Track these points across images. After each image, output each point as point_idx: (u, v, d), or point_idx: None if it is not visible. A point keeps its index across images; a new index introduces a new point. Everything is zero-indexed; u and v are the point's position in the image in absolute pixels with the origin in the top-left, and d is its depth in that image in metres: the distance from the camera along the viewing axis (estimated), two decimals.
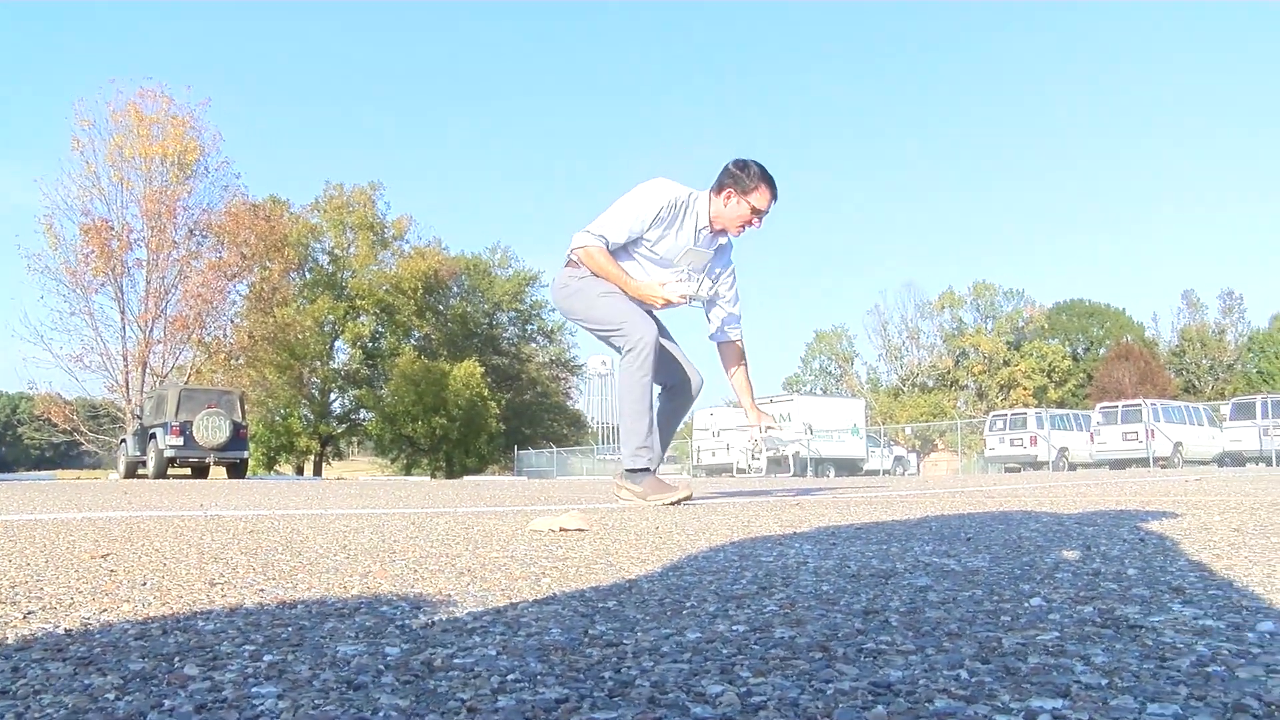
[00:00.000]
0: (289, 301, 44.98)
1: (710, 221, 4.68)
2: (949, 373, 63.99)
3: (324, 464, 55.58)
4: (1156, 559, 1.73)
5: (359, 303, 54.11)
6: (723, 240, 4.85)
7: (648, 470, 4.60)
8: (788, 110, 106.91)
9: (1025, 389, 61.43)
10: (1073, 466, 31.72)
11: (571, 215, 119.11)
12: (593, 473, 43.87)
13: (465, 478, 39.77)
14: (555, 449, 52.32)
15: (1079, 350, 71.79)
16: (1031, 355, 63.92)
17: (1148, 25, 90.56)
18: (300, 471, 52.52)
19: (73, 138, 34.56)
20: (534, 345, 65.00)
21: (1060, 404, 57.14)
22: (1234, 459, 29.53)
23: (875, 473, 34.06)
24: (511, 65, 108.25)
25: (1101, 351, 68.05)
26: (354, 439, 59.55)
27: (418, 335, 57.08)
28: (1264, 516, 2.78)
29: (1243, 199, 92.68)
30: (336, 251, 55.55)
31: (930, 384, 64.53)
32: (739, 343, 5.15)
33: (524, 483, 16.68)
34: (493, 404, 53.30)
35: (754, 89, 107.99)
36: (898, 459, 38.35)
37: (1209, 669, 0.90)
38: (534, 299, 63.36)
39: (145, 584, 1.63)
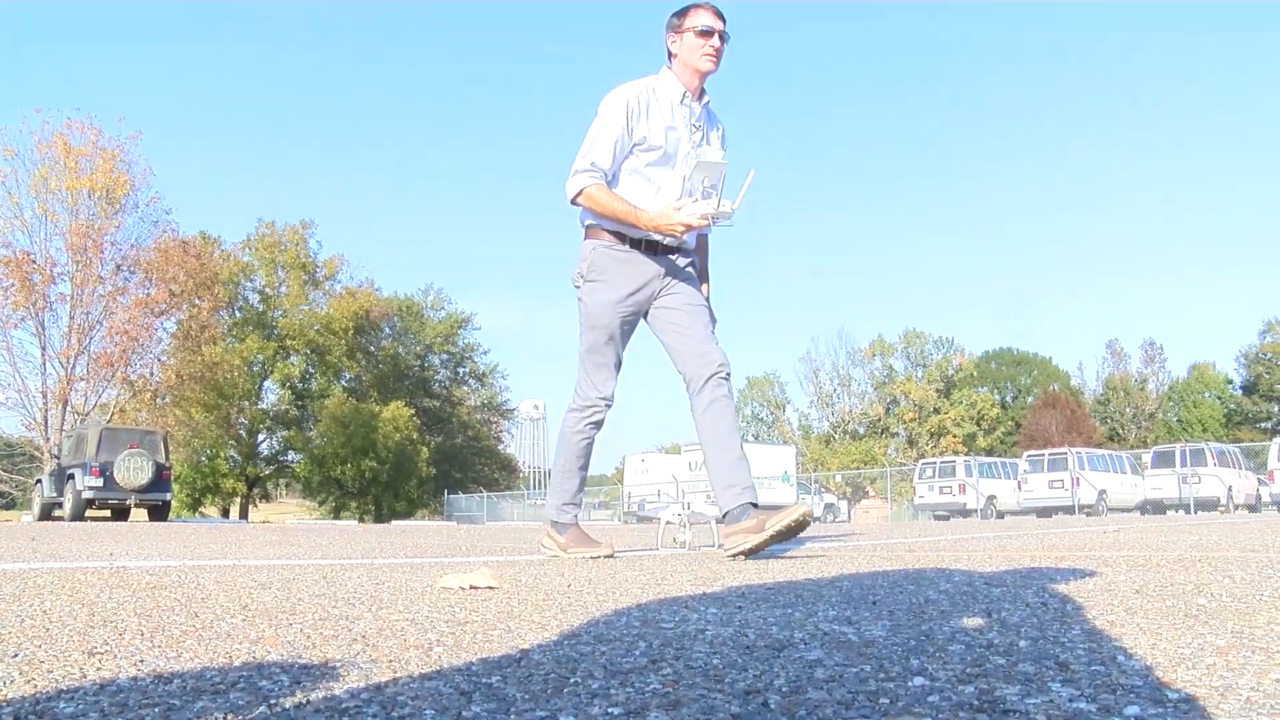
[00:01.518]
0: (218, 340, 44.26)
1: (684, 85, 4.29)
2: (880, 420, 64.73)
3: (251, 506, 54.50)
4: (1052, 627, 1.75)
5: (289, 343, 53.41)
6: (708, 101, 4.42)
7: (573, 524, 4.48)
8: None
9: (955, 436, 62.31)
10: (1000, 514, 32.16)
11: (506, 258, 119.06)
12: (523, 518, 43.53)
13: (394, 522, 39.22)
14: (485, 494, 51.87)
15: (1008, 398, 73.14)
16: (961, 403, 64.90)
17: (1065, 78, 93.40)
18: (226, 514, 51.46)
19: None
20: (465, 388, 64.64)
21: (989, 451, 58.04)
22: (1155, 506, 30.17)
23: None
24: (447, 105, 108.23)
25: (1029, 400, 69.43)
26: (282, 481, 58.56)
27: (348, 376, 56.43)
28: (1166, 574, 2.83)
29: (1163, 251, 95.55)
30: (267, 290, 54.89)
31: (861, 431, 65.19)
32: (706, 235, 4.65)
33: (451, 529, 16.48)
34: (423, 447, 52.80)
35: None
36: (828, 506, 38.62)
37: None
38: (466, 341, 63.10)
39: (17, 655, 1.56)
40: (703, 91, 4.36)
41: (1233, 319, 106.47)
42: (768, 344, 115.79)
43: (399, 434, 50.55)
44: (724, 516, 4.11)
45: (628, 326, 4.39)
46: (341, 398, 51.91)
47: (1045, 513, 29.97)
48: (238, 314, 53.29)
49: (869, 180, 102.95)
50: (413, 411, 52.78)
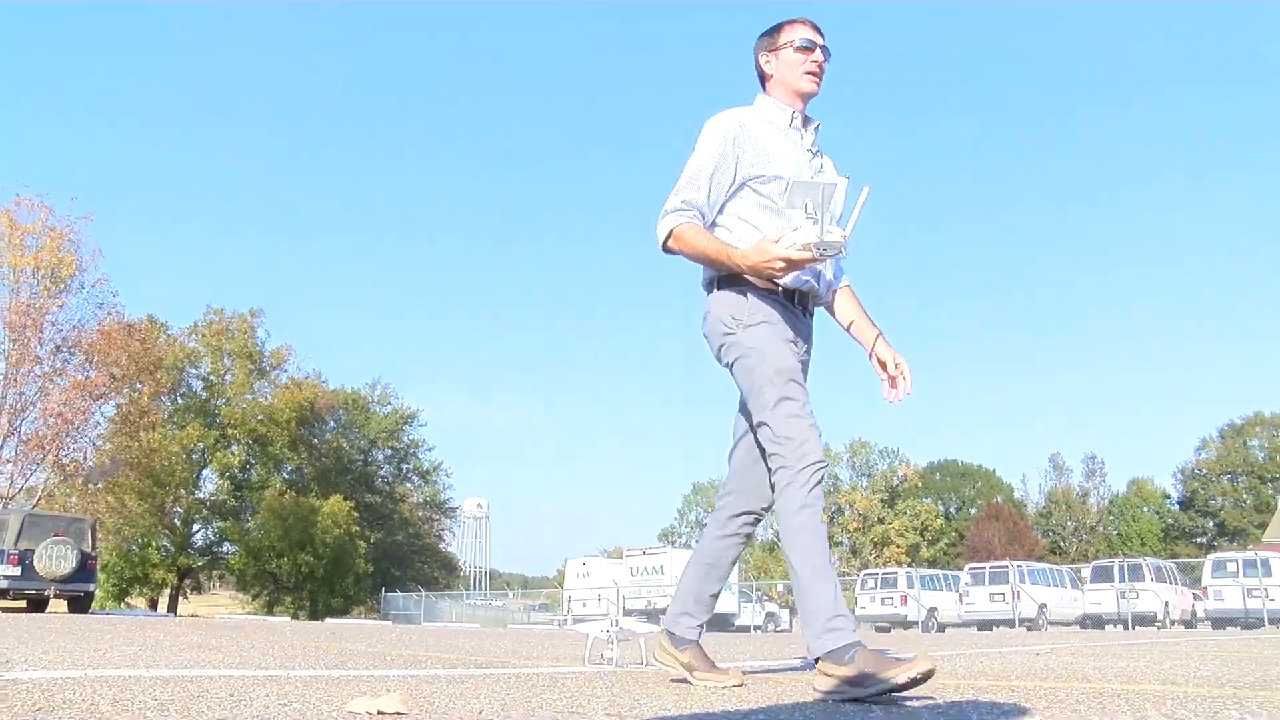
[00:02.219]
0: (157, 426, 43.47)
1: (787, 102, 3.69)
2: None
3: (181, 598, 52.97)
4: None
5: (231, 431, 52.57)
6: (818, 126, 3.77)
7: (694, 643, 3.79)
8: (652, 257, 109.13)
9: (899, 547, 62.48)
10: (942, 627, 32.16)
11: (454, 356, 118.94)
12: (461, 619, 42.72)
13: (327, 620, 38.30)
14: (424, 592, 50.92)
15: (952, 509, 73.62)
16: (905, 514, 65.21)
17: (1003, 181, 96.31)
18: (154, 605, 49.93)
19: None
20: (408, 485, 63.92)
21: (933, 562, 58.22)
22: (1094, 621, 30.36)
23: (746, 629, 33.91)
24: (403, 199, 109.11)
25: (973, 511, 69.96)
26: (215, 573, 57.12)
27: (289, 468, 55.58)
28: (1084, 712, 2.82)
29: (1106, 368, 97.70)
30: (212, 378, 54.24)
31: None
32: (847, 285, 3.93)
33: (385, 629, 16.12)
34: (362, 543, 51.92)
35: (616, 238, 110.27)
36: (769, 615, 38.35)
37: None
38: (411, 437, 62.59)
39: None
40: (808, 119, 3.75)
41: (1171, 436, 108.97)
42: (715, 450, 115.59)
43: (338, 529, 49.67)
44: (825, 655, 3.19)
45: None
46: (281, 489, 51.04)
47: (986, 625, 30.02)
48: (180, 400, 52.46)
49: None
50: (353, 506, 51.97)
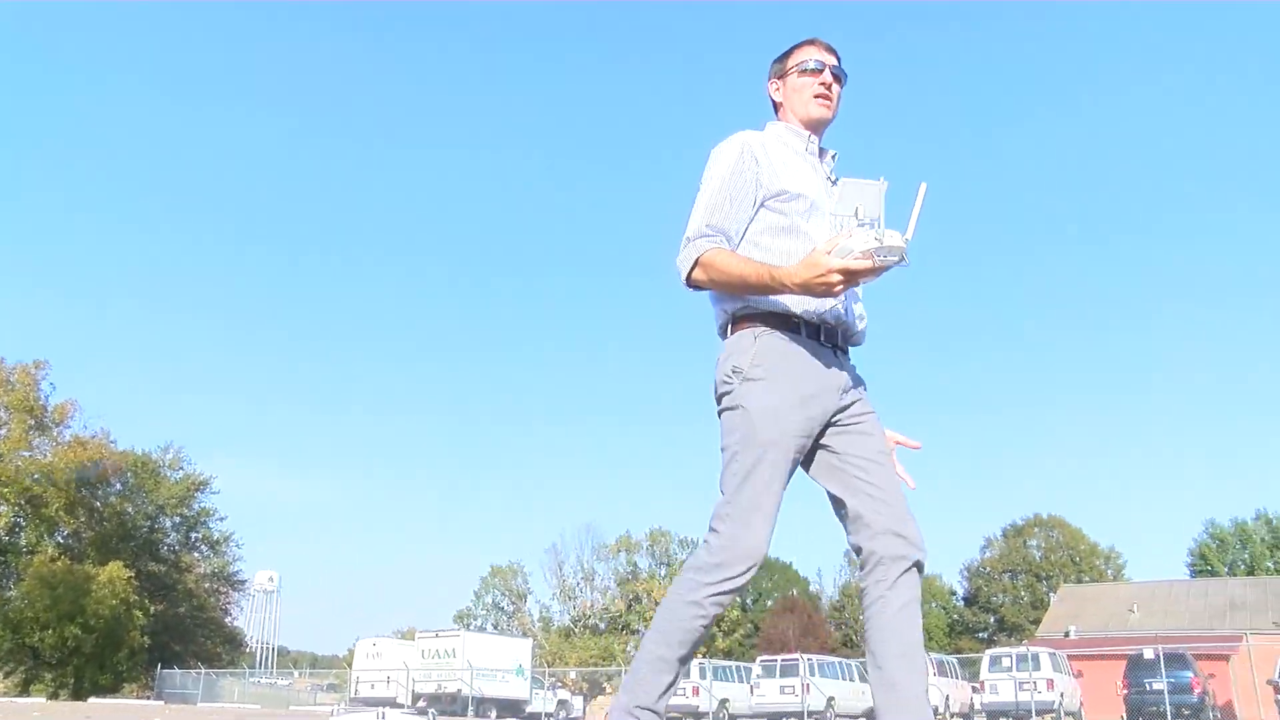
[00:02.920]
0: None
1: (800, 127, 3.23)
2: (621, 616, 65.01)
3: None
4: None
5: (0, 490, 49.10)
6: (834, 156, 3.28)
7: None
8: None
9: None
10: (733, 718, 32.65)
11: (255, 425, 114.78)
12: (243, 698, 40.82)
13: (92, 699, 35.99)
14: (204, 670, 48.36)
15: (748, 601, 75.04)
16: None
17: None
18: None
19: None
20: (196, 555, 60.96)
21: (728, 653, 59.07)
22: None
23: (537, 715, 33.67)
24: (207, 260, 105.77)
25: (769, 603, 71.52)
26: None
27: (65, 532, 52.16)
28: None
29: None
30: None
31: (602, 626, 65.19)
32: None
33: (153, 710, 15.38)
34: (139, 614, 48.93)
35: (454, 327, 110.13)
36: (561, 702, 38.16)
37: None
38: (203, 505, 59.83)
39: None
40: (823, 150, 3.27)
41: (959, 536, 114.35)
42: (514, 533, 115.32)
43: (115, 599, 46.70)
44: None
45: (798, 452, 2.99)
46: (53, 555, 47.78)
47: (775, 717, 30.68)
48: None
49: (615, 380, 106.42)
50: (133, 575, 49.05)
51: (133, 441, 67.04)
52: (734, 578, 2.89)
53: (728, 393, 2.98)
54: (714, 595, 2.90)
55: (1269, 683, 26.89)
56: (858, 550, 3.00)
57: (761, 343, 2.98)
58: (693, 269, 2.96)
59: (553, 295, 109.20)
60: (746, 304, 3.01)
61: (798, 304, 2.95)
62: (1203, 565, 67.42)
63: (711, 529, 2.93)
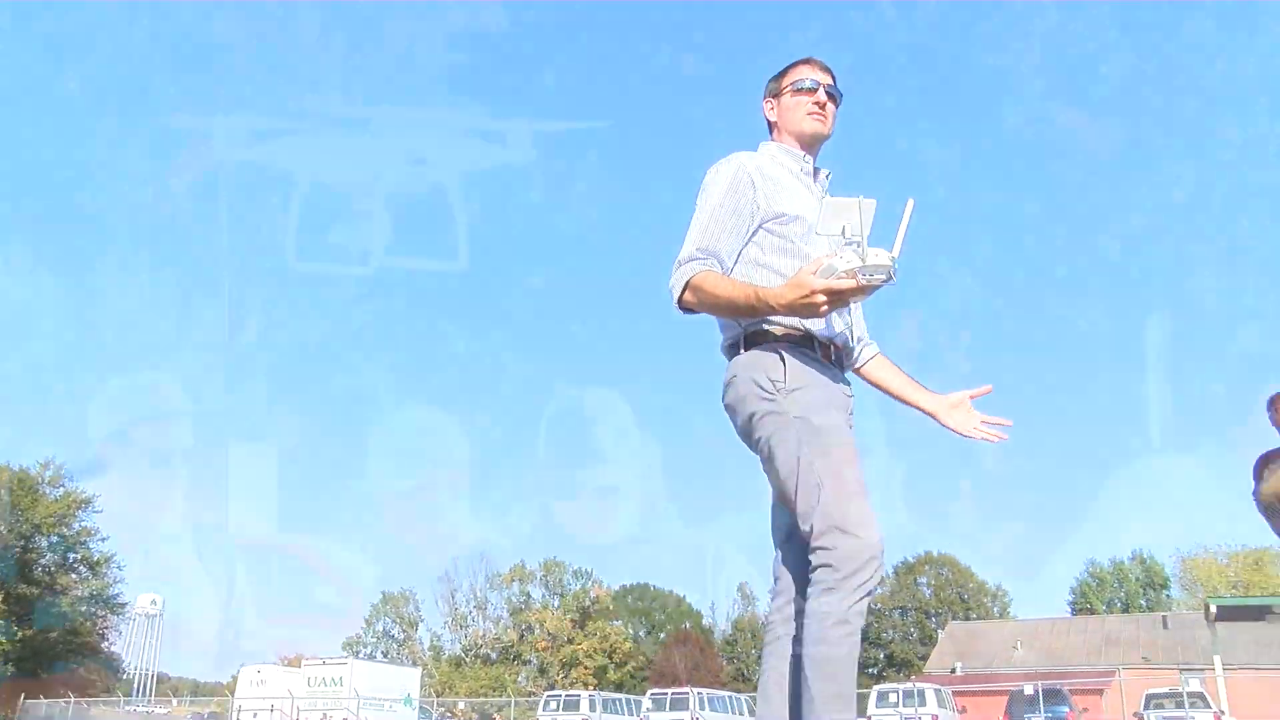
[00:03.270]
0: None
1: (796, 147, 3.25)
2: (513, 646, 64.58)
3: None
4: None
5: None
6: (829, 176, 3.30)
7: None
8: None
9: (587, 668, 62.98)
10: None
11: (138, 441, 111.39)
12: None
13: None
14: (73, 699, 46.56)
15: (641, 633, 75.12)
16: (595, 635, 65.94)
17: None
18: None
19: None
20: (73, 576, 58.81)
21: (620, 685, 58.96)
22: None
23: None
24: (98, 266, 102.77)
25: (662, 636, 71.71)
26: None
27: None
28: None
29: None
30: None
31: (494, 656, 64.66)
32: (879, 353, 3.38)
33: None
34: (2, 640, 46.94)
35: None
36: None
37: None
38: (83, 525, 57.82)
39: None
40: (817, 170, 3.28)
41: None
42: (406, 560, 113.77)
43: None
44: None
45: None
46: None
47: None
48: None
49: (519, 417, 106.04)
50: (1, 598, 47.14)
51: (8, 457, 64.62)
52: (868, 580, 2.94)
53: (770, 409, 2.94)
54: (856, 604, 2.98)
55: (1134, 715, 27.94)
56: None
57: (791, 358, 2.96)
58: (683, 292, 2.96)
59: (435, 317, 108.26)
60: (762, 321, 2.98)
61: (812, 324, 2.97)
62: (1083, 603, 69.56)
63: (819, 547, 2.87)
